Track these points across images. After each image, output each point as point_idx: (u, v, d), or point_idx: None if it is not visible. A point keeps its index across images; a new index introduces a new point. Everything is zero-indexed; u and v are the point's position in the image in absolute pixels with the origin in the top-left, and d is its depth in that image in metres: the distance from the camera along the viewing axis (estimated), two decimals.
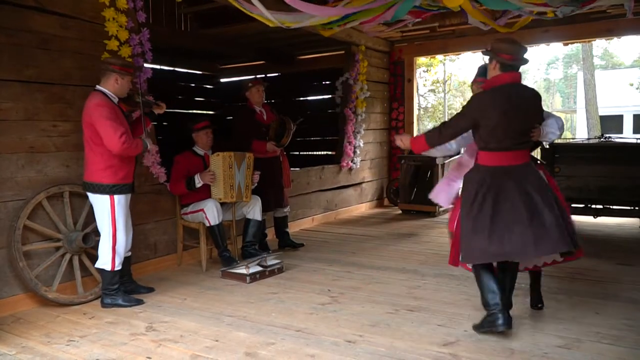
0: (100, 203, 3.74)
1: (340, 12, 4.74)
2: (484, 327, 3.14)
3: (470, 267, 3.33)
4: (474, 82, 3.82)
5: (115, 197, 3.72)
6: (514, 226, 3.01)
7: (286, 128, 5.30)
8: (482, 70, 3.61)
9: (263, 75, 8.73)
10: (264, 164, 5.27)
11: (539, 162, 3.61)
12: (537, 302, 3.64)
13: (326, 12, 4.68)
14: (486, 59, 3.27)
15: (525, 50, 3.18)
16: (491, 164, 3.13)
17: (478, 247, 3.08)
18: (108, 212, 3.73)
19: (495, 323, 3.06)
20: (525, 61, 3.18)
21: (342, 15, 5.10)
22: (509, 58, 3.10)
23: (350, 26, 5.76)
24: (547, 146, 6.00)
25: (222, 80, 9.87)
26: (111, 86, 3.74)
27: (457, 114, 3.29)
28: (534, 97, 3.20)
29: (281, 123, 5.32)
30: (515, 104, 3.07)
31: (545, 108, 3.29)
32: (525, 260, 3.40)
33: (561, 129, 3.29)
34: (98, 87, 3.74)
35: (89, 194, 3.77)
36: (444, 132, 3.25)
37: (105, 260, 3.77)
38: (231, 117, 9.38)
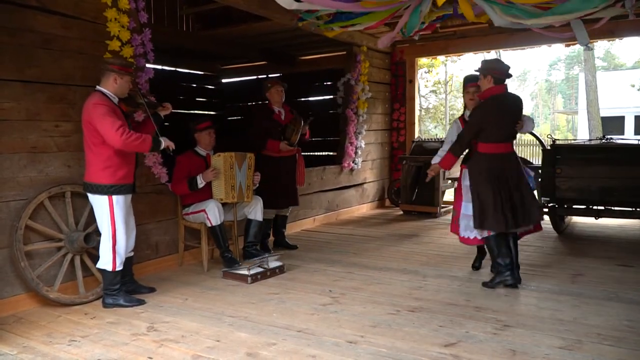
0: (99, 203, 3.74)
1: (341, 6, 4.71)
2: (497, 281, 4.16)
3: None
4: (466, 91, 4.54)
5: (114, 197, 3.72)
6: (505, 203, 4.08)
7: (296, 126, 5.35)
8: (472, 77, 4.45)
9: (265, 76, 8.73)
10: (281, 163, 5.38)
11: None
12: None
13: (330, 3, 4.65)
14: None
15: (509, 68, 4.19)
16: (491, 152, 4.13)
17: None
18: (107, 212, 3.73)
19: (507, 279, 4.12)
20: (510, 76, 4.19)
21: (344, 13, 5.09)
22: (500, 74, 4.11)
23: (353, 29, 5.75)
24: (549, 147, 5.99)
25: (224, 80, 9.88)
26: (110, 86, 3.74)
27: (467, 126, 4.30)
28: (517, 101, 4.24)
29: (294, 122, 5.37)
30: (505, 108, 4.14)
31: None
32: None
33: (533, 125, 4.45)
34: (98, 87, 3.75)
35: (89, 194, 3.77)
36: (463, 144, 4.26)
37: (106, 261, 3.77)
38: (235, 118, 9.43)
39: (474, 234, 4.29)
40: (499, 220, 4.03)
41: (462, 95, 4.79)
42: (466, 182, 4.31)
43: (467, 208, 4.31)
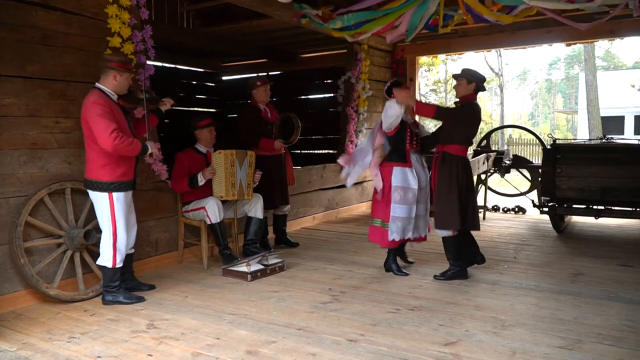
0: (99, 200, 3.74)
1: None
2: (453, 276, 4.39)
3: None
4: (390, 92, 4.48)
5: (114, 194, 3.71)
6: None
7: (294, 126, 5.34)
8: (396, 83, 4.58)
9: (265, 74, 8.73)
10: (270, 161, 5.33)
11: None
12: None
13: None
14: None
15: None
16: (461, 154, 4.35)
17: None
18: (107, 209, 3.72)
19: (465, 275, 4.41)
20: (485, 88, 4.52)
21: (354, 23, 5.14)
22: (482, 84, 4.38)
23: (364, 37, 5.76)
24: (549, 146, 5.99)
25: (224, 78, 9.87)
26: (110, 83, 3.73)
27: (453, 112, 4.38)
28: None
29: (286, 121, 5.35)
30: (479, 115, 4.44)
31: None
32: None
33: None
34: (97, 84, 3.74)
35: (89, 191, 3.77)
36: (444, 115, 4.39)
37: (106, 258, 3.76)
38: (235, 115, 9.41)
39: (407, 235, 4.52)
40: (463, 219, 4.29)
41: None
42: (397, 183, 4.41)
43: (398, 210, 4.45)
